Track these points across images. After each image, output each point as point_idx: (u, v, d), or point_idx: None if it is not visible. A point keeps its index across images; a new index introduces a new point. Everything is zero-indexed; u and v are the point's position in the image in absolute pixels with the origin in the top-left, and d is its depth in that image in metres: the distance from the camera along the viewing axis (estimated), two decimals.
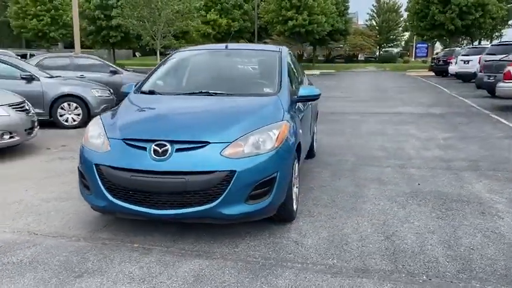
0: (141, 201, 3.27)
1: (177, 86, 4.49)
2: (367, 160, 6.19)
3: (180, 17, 18.04)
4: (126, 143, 3.36)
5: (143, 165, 3.24)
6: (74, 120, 9.04)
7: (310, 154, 6.13)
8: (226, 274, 2.94)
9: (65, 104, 9.00)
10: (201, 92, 4.17)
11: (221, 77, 4.64)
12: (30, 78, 8.73)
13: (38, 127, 6.92)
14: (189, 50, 5.22)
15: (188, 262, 3.10)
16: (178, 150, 3.23)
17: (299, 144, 3.93)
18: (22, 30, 40.19)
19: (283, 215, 3.69)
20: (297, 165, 3.93)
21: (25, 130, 6.39)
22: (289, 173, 3.52)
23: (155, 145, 3.25)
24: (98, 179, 3.37)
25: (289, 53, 5.21)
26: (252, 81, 4.55)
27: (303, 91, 4.26)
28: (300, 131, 4.05)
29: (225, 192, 3.17)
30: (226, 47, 4.99)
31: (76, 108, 9.05)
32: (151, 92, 4.29)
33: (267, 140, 3.39)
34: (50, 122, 8.90)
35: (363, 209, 4.19)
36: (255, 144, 3.34)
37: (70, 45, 39.13)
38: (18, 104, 6.46)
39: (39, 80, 8.84)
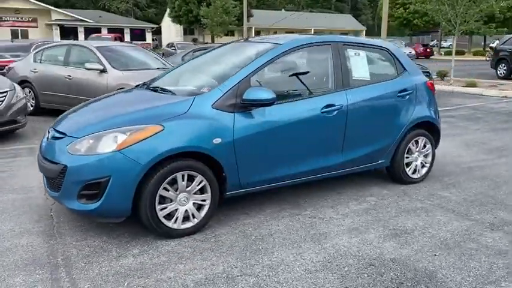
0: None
1: (159, 79, 4.43)
2: (483, 203, 4.05)
3: None
4: None
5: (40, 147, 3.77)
6: None
7: (399, 178, 4.65)
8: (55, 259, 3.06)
9: None
10: (152, 87, 4.11)
11: (192, 74, 4.41)
12: None
13: None
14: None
15: (69, 246, 3.29)
16: (52, 138, 3.55)
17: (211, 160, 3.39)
18: (388, 19, 42.80)
19: (149, 228, 3.35)
20: (202, 179, 3.38)
21: None
22: (134, 182, 3.13)
23: (48, 131, 3.71)
24: None
25: (321, 44, 4.17)
26: (212, 78, 3.95)
27: (248, 94, 3.47)
28: (216, 138, 3.39)
29: (62, 185, 3.27)
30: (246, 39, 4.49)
31: None
32: (144, 85, 4.41)
33: (111, 141, 3.18)
34: None
35: (278, 256, 3.07)
36: (100, 143, 3.19)
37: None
38: None
39: None
